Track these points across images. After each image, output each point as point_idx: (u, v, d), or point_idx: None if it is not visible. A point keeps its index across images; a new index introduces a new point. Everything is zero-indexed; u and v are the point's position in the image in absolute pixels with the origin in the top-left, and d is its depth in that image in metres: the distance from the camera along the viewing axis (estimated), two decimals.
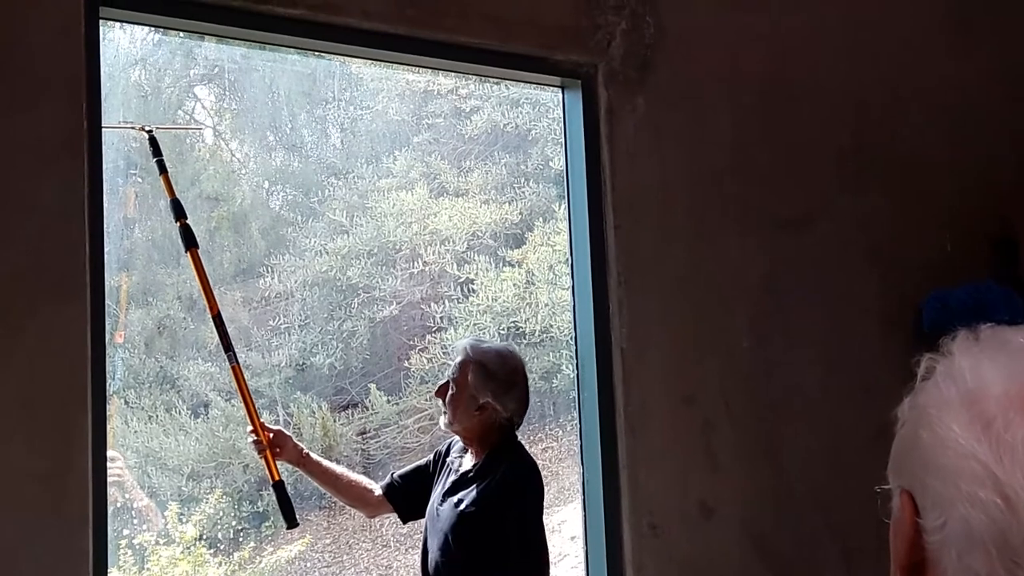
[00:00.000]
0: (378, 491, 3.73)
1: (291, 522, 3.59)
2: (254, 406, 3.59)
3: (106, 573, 3.34)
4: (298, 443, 3.62)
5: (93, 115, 3.33)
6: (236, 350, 3.70)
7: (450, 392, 3.55)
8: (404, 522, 3.97)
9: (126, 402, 9.13)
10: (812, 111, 4.54)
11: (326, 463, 3.73)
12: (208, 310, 3.68)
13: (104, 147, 3.42)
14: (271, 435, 3.56)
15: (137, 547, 7.78)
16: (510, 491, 3.47)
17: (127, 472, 8.45)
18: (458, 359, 3.60)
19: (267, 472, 3.57)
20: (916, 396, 0.92)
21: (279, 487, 3.55)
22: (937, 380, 0.91)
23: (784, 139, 4.47)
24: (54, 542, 3.14)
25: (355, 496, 3.76)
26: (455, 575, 3.44)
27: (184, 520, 8.10)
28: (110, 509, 3.46)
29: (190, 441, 9.33)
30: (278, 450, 3.56)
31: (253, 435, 3.54)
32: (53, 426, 3.17)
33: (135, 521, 8.13)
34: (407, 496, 3.68)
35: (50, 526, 3.14)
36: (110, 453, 3.34)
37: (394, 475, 3.77)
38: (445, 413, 3.57)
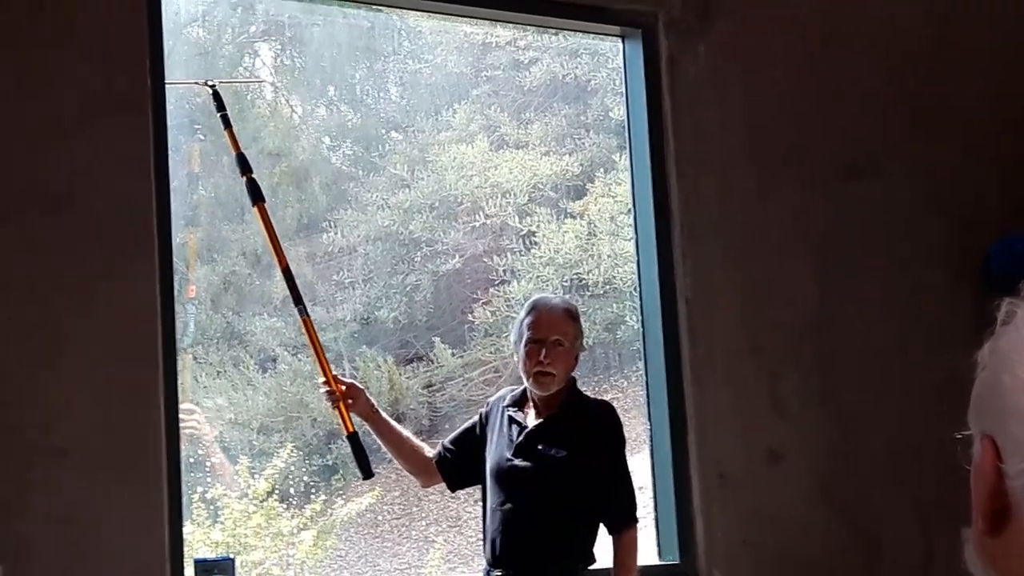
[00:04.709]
0: (433, 461, 3.68)
1: (367, 473, 3.54)
2: (326, 358, 3.57)
3: (181, 527, 3.40)
4: (370, 397, 3.61)
5: (156, 72, 3.36)
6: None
7: (557, 351, 3.46)
8: (452, 491, 3.92)
9: (195, 358, 9.22)
10: (875, 59, 4.47)
11: (393, 423, 3.69)
12: (277, 264, 3.66)
13: (167, 104, 3.45)
14: (343, 387, 3.54)
15: (210, 501, 7.87)
16: (608, 430, 3.48)
17: (205, 425, 8.54)
18: (554, 316, 3.50)
19: (341, 424, 3.52)
20: (997, 340, 0.90)
21: (354, 438, 3.51)
22: (1018, 324, 0.89)
23: (847, 87, 4.41)
24: (130, 497, 3.20)
25: (415, 462, 3.67)
26: (553, 522, 3.41)
27: (255, 475, 8.16)
28: (184, 464, 3.51)
29: (258, 396, 9.42)
30: (351, 401, 3.51)
31: (326, 386, 3.52)
32: (126, 383, 3.22)
33: (208, 479, 8.24)
34: (458, 464, 3.62)
35: (126, 482, 3.20)
36: (187, 406, 3.37)
37: (444, 443, 3.68)
38: (548, 375, 3.44)
